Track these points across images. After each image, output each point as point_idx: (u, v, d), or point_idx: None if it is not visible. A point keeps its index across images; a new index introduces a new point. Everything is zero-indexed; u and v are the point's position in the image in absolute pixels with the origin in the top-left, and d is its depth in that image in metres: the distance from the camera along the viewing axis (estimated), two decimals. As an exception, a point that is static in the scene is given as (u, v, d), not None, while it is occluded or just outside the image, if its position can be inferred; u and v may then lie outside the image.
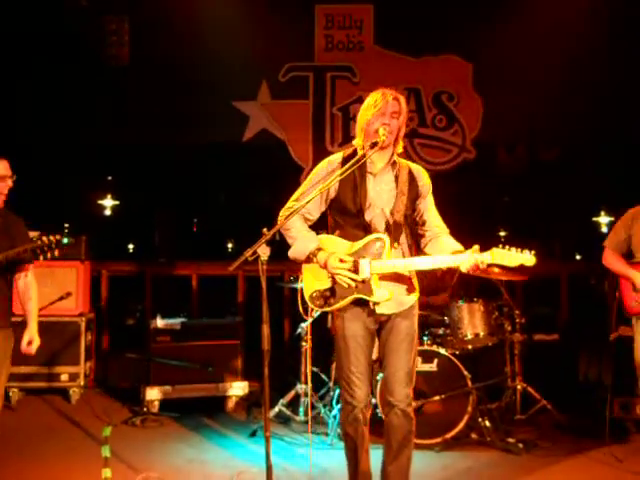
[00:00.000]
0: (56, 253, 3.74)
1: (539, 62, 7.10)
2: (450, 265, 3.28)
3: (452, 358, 4.84)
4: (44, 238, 3.69)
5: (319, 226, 3.57)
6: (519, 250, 3.20)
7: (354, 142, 3.51)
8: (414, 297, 3.46)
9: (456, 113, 7.52)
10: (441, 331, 5.22)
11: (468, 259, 3.20)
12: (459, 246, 3.39)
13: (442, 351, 4.86)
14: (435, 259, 3.33)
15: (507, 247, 3.21)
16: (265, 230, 3.13)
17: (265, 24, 7.22)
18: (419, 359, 4.78)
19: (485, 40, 7.17)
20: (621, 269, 4.52)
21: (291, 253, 3.47)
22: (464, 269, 3.23)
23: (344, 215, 3.44)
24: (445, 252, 3.36)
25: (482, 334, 5.08)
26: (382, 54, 7.56)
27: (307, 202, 3.29)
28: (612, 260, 4.61)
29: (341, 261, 3.31)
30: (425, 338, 5.08)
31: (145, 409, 5.46)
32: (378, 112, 3.35)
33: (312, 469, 4.14)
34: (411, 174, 3.49)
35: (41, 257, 3.75)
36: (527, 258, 3.20)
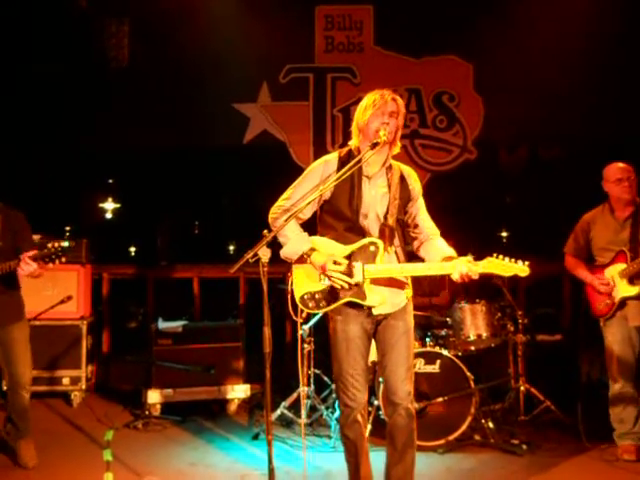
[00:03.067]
0: (63, 260, 3.87)
1: (539, 62, 7.07)
2: (443, 272, 3.29)
3: (455, 359, 4.82)
4: (49, 245, 3.79)
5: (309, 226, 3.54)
6: (513, 260, 3.21)
7: (350, 143, 3.49)
8: (407, 295, 3.45)
9: (457, 114, 7.50)
10: (443, 332, 5.20)
11: (461, 267, 3.20)
12: (451, 250, 3.41)
13: (445, 352, 4.84)
14: (428, 266, 3.34)
15: (501, 256, 3.22)
16: (266, 232, 3.12)
17: (265, 26, 7.19)
18: (422, 360, 4.78)
19: (485, 40, 7.15)
20: (581, 275, 4.69)
21: (283, 252, 3.44)
22: (456, 277, 3.23)
23: (338, 218, 3.41)
24: (438, 256, 3.37)
25: (485, 335, 5.06)
26: (382, 55, 7.54)
27: (307, 204, 3.27)
28: (572, 266, 4.78)
29: (335, 263, 3.29)
30: (428, 339, 5.07)
31: (147, 412, 5.43)
32: (377, 112, 3.33)
33: (314, 472, 4.13)
34: (402, 177, 3.48)
35: (50, 265, 3.86)
36: (521, 268, 3.21)
